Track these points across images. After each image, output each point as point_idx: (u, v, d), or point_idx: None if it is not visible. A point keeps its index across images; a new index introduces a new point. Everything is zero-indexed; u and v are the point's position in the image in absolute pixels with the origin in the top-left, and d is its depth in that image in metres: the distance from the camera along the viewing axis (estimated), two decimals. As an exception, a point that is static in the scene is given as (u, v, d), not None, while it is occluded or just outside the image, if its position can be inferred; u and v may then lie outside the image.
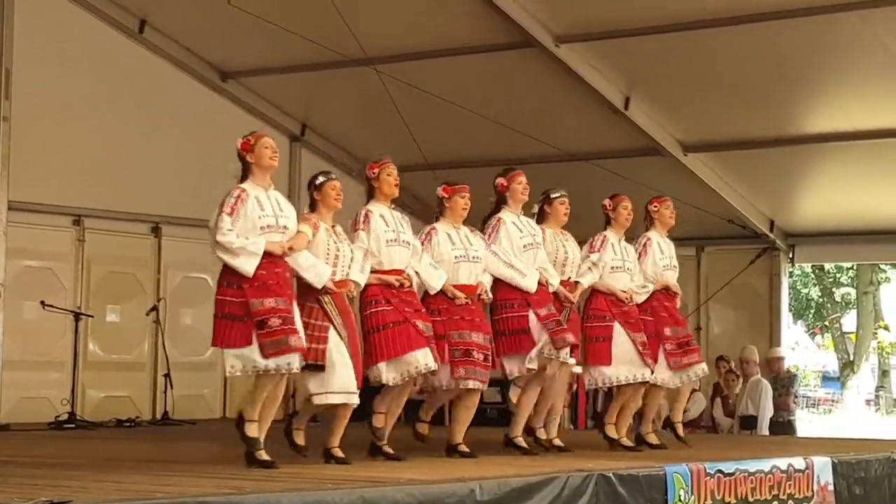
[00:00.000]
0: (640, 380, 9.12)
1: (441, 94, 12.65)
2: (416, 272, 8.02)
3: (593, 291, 9.13)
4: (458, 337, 8.09)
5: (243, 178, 7.29)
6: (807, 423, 21.33)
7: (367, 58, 12.31)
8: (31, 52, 12.09)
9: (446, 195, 8.35)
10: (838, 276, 30.43)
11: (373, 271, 7.79)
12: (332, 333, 7.38)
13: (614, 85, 12.52)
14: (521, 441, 8.64)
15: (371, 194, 8.06)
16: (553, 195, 9.03)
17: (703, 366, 9.64)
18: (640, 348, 9.03)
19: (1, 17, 11.88)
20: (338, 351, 7.38)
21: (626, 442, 9.27)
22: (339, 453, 7.57)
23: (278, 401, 7.33)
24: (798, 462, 8.25)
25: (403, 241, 7.94)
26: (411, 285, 7.95)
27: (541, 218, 8.96)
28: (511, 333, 8.44)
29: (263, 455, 7.10)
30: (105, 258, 12.89)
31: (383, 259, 7.85)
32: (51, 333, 12.24)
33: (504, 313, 8.49)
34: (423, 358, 7.76)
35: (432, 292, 8.11)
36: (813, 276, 30.27)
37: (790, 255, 14.34)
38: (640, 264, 9.33)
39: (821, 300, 31.31)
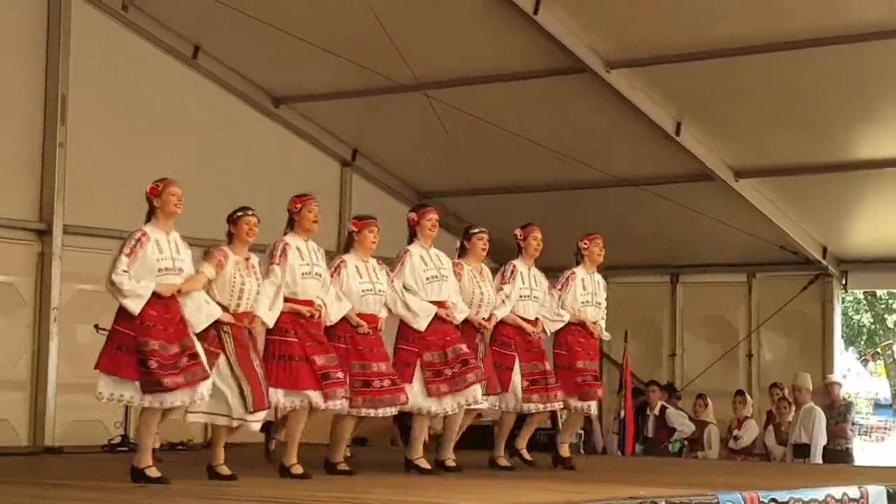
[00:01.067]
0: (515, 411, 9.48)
1: (492, 120, 12.68)
2: (324, 302, 8.40)
3: (501, 320, 9.43)
4: (360, 367, 8.51)
5: (148, 219, 7.74)
6: (859, 451, 21.08)
7: (419, 83, 12.38)
8: (86, 78, 12.25)
9: (356, 229, 8.74)
10: (891, 302, 30.13)
11: (286, 300, 8.17)
12: (221, 361, 7.79)
13: (665, 110, 12.50)
14: (422, 462, 8.93)
15: (291, 227, 8.43)
16: (472, 231, 9.39)
17: (594, 404, 9.96)
18: (527, 382, 9.36)
19: (57, 43, 12.08)
20: (220, 379, 7.76)
21: (504, 462, 9.56)
22: (224, 471, 7.91)
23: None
24: (852, 491, 8.16)
25: (316, 274, 8.33)
26: (321, 316, 8.36)
27: (461, 253, 9.33)
28: (400, 365, 8.80)
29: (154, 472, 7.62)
30: (157, 282, 12.95)
31: (297, 290, 8.26)
32: (104, 356, 12.31)
33: (399, 343, 8.91)
34: (316, 398, 8.16)
35: (329, 324, 8.47)
36: (865, 302, 30.01)
37: (843, 282, 14.25)
38: (559, 297, 9.64)
39: (873, 326, 31.02)
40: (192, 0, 12.16)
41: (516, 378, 9.36)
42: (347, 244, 8.80)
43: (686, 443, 13.65)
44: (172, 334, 7.59)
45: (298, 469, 8.21)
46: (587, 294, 9.75)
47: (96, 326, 11.92)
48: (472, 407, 9.09)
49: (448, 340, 8.89)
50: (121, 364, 7.55)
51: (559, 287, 9.70)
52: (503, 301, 9.35)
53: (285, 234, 8.42)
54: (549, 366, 9.51)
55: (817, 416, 12.99)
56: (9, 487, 7.40)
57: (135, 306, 7.53)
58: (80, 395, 12.10)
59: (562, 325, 9.65)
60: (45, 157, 12.09)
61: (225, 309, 7.85)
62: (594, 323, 9.77)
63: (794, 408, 13.31)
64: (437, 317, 8.86)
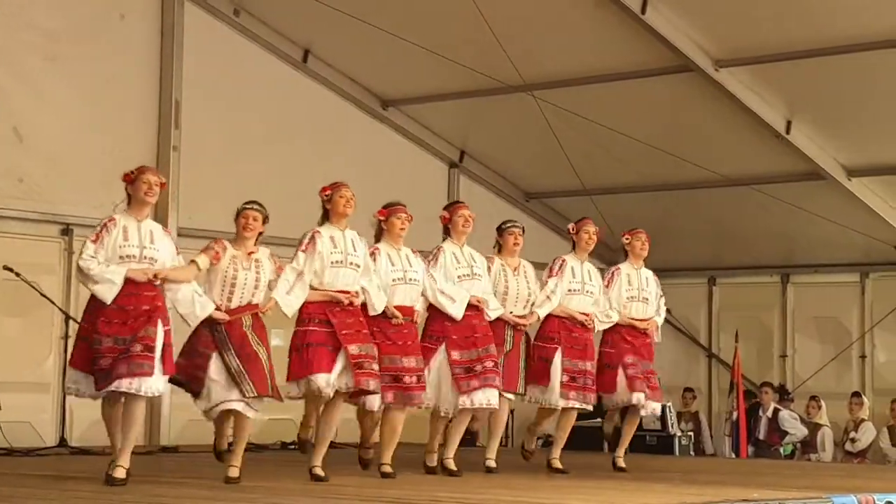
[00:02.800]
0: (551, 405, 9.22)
1: (598, 120, 12.65)
2: (367, 291, 8.16)
3: (548, 315, 9.23)
4: (389, 362, 8.23)
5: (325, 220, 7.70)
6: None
7: (525, 84, 12.40)
8: (199, 83, 12.46)
9: (382, 217, 8.50)
10: None
11: (318, 289, 7.95)
12: (213, 360, 7.65)
13: (775, 109, 12.37)
14: (450, 464, 8.73)
15: (326, 217, 8.27)
16: (504, 226, 9.21)
17: (658, 406, 9.82)
18: (566, 378, 9.13)
19: (171, 49, 12.31)
20: (217, 376, 7.64)
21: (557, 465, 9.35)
22: (235, 474, 7.75)
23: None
24: (972, 494, 8.01)
25: (351, 263, 8.06)
26: (358, 304, 8.08)
27: (498, 248, 9.15)
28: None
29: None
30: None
31: (326, 279, 8.00)
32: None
33: (424, 342, 8.59)
34: (325, 384, 7.85)
35: (374, 314, 8.22)
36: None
37: (958, 281, 13.98)
38: (606, 293, 9.46)
39: None
40: (301, 4, 12.30)
41: (556, 372, 9.14)
42: (378, 233, 8.55)
43: (798, 445, 13.49)
44: (132, 326, 7.37)
45: (320, 472, 7.96)
46: (633, 290, 9.56)
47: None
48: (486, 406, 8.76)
49: (477, 338, 8.67)
50: (81, 357, 7.46)
51: (605, 283, 9.52)
52: (548, 297, 9.16)
53: (320, 224, 8.24)
54: (591, 366, 9.25)
55: (934, 419, 12.78)
56: (35, 489, 7.45)
57: (107, 293, 7.36)
58: (195, 396, 12.34)
59: (610, 325, 9.48)
60: (159, 161, 12.29)
61: (217, 308, 7.70)
62: (642, 320, 9.56)
63: (909, 410, 13.11)
64: (470, 306, 8.62)
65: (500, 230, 9.18)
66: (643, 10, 11.39)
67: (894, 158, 12.66)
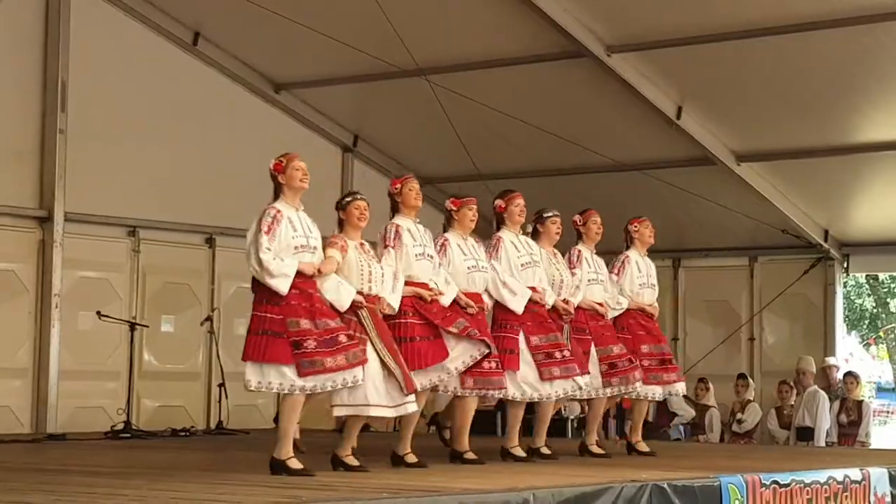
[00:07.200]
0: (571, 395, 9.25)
1: (492, 105, 12.67)
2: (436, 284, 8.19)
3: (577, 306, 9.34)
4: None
5: (276, 197, 7.42)
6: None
7: (419, 68, 12.35)
8: (86, 65, 12.24)
9: (455, 207, 8.52)
10: (893, 286, 30.12)
11: (406, 283, 7.97)
12: (367, 347, 7.47)
13: (666, 94, 12.48)
14: (518, 451, 8.80)
15: (395, 209, 8.20)
16: (546, 214, 9.24)
17: (682, 385, 9.99)
18: (605, 367, 9.28)
19: (57, 30, 12.07)
20: (374, 363, 7.48)
21: (596, 450, 9.49)
22: (352, 461, 7.60)
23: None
24: (854, 473, 8.18)
25: (428, 255, 8.11)
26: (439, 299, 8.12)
27: (534, 237, 9.18)
28: (501, 352, 8.51)
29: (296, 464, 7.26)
30: (160, 269, 12.98)
31: (413, 273, 8.01)
32: (106, 343, 12.35)
33: (497, 332, 8.61)
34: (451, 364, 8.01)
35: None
36: (867, 286, 30.00)
37: (844, 265, 14.23)
38: (617, 281, 9.62)
39: (875, 310, 31.01)
40: (191, -14, 12.15)
41: (594, 363, 9.22)
42: (446, 223, 8.60)
43: (688, 427, 13.66)
44: (320, 313, 7.27)
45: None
46: (642, 276, 9.71)
47: (98, 313, 11.98)
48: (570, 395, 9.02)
49: (550, 325, 8.76)
50: (269, 349, 7.16)
51: (615, 272, 9.64)
52: (577, 287, 9.24)
53: (392, 217, 8.17)
54: (622, 348, 9.37)
55: (821, 400, 13.01)
56: (11, 474, 7.40)
57: (283, 286, 7.16)
58: (82, 382, 12.22)
59: (621, 311, 9.60)
60: (45, 145, 12.08)
61: (358, 293, 7.57)
62: (651, 304, 9.75)
63: (795, 391, 13.33)
64: (531, 300, 8.67)
65: (542, 219, 9.18)
66: (536, -5, 11.42)
67: (782, 144, 12.85)
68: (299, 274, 7.23)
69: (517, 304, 8.63)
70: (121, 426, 11.57)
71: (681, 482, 7.05)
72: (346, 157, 14.57)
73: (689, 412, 13.57)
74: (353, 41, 12.16)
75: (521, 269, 8.70)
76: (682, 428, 13.64)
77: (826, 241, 13.96)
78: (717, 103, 12.55)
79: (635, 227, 9.85)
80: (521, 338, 8.62)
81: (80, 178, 12.12)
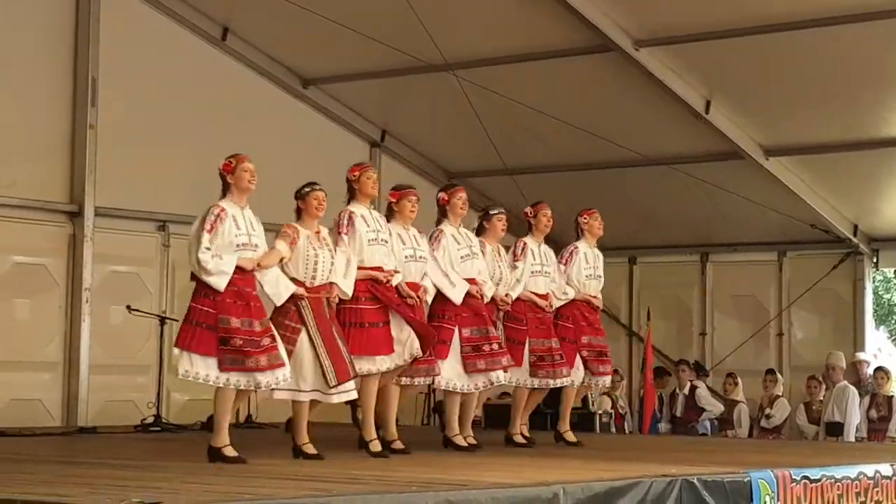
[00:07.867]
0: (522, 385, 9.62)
1: (520, 99, 12.66)
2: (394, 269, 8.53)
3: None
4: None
5: (223, 195, 7.68)
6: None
7: (447, 63, 12.37)
8: (116, 61, 12.28)
9: (394, 199, 8.77)
10: (922, 280, 29.94)
11: (359, 267, 8.26)
12: (303, 336, 7.86)
13: (695, 89, 12.45)
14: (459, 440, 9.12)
15: (352, 195, 8.49)
16: (492, 212, 9.51)
17: (608, 379, 10.33)
18: (534, 358, 9.54)
19: (87, 26, 12.12)
20: (308, 353, 7.84)
21: (520, 439, 9.68)
22: (310, 450, 7.93)
23: None
24: (885, 469, 8.15)
25: (382, 240, 8.43)
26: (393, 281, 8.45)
27: (479, 232, 9.43)
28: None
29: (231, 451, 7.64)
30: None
31: (365, 257, 8.32)
32: (136, 337, 12.41)
33: (434, 322, 8.89)
34: (388, 363, 8.36)
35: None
36: (896, 281, 29.84)
37: (874, 260, 14.17)
38: (565, 271, 9.84)
39: (904, 305, 30.82)
40: (220, -19, 12.18)
41: (526, 353, 9.52)
42: (388, 215, 8.82)
43: (716, 422, 13.63)
44: (253, 311, 7.61)
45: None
46: (590, 268, 9.98)
47: (128, 307, 12.03)
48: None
49: (484, 318, 9.03)
50: (200, 341, 7.55)
51: (563, 262, 9.90)
52: (517, 280, 9.52)
53: (348, 203, 8.46)
54: (556, 343, 9.66)
55: (851, 395, 12.96)
56: (44, 467, 7.46)
57: (220, 283, 7.54)
58: (113, 376, 12.27)
59: (567, 301, 9.84)
60: (75, 140, 12.14)
61: (300, 284, 7.89)
62: (594, 296, 9.98)
63: (824, 386, 13.29)
64: (468, 293, 8.96)
65: (489, 216, 9.47)
66: (564, -11, 11.41)
67: (811, 138, 12.81)
68: (239, 270, 7.56)
69: (457, 296, 8.89)
70: (151, 419, 11.63)
71: (710, 477, 7.04)
72: (373, 152, 14.58)
73: (717, 407, 13.55)
74: (381, 36, 12.18)
75: (460, 262, 8.99)
76: (709, 423, 13.63)
77: (855, 235, 13.91)
78: (746, 97, 12.51)
79: (585, 219, 10.06)
80: (456, 330, 8.93)
81: (111, 172, 12.17)
